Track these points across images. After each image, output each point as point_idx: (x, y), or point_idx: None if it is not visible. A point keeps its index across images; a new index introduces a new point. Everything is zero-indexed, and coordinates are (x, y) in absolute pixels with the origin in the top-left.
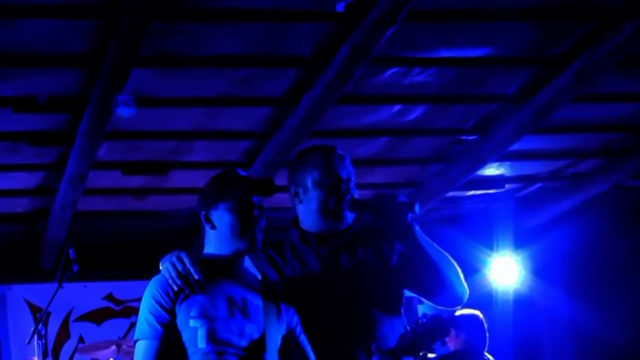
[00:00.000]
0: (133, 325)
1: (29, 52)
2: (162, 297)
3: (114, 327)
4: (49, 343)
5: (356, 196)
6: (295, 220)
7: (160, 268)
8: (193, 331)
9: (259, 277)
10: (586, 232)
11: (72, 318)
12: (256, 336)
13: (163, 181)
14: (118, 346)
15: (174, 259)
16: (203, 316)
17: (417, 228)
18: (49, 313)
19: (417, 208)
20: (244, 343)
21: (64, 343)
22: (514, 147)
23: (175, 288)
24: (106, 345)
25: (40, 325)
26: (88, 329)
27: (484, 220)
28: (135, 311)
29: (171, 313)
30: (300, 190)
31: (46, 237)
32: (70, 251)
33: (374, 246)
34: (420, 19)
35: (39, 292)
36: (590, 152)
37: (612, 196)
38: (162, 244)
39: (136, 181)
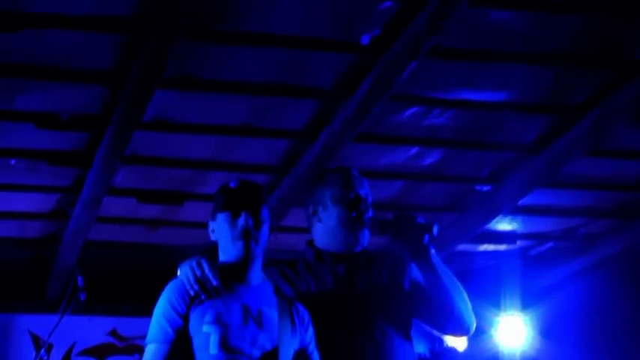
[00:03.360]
0: None
1: (55, 65)
2: (177, 302)
3: None
4: None
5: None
6: (310, 241)
7: (178, 272)
8: (206, 336)
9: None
10: (595, 294)
11: (74, 352)
12: (269, 347)
13: (177, 213)
14: None
15: (193, 263)
16: (217, 322)
17: (433, 251)
18: (51, 345)
19: (435, 230)
20: (256, 353)
21: None
22: (527, 201)
23: (192, 293)
24: None
25: (43, 352)
26: None
27: (492, 278)
28: (139, 349)
29: (185, 318)
30: (320, 208)
31: (55, 265)
32: (79, 278)
33: (388, 269)
34: (443, 57)
35: (43, 323)
36: (603, 212)
37: (623, 258)
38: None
39: (150, 212)
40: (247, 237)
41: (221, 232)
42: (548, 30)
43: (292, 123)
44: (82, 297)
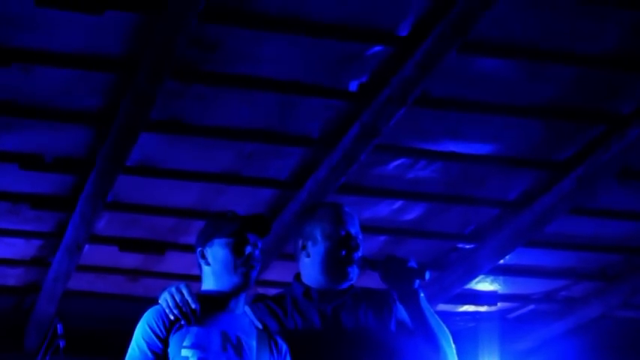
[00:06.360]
0: None
1: (41, 104)
2: (157, 326)
3: None
4: None
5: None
6: (298, 275)
7: (159, 299)
8: None
9: (258, 325)
10: (573, 359)
11: None
12: None
13: (158, 263)
14: None
15: (172, 289)
16: (196, 346)
17: (422, 295)
18: None
19: (426, 275)
20: None
21: None
22: (509, 261)
23: (172, 317)
24: None
25: None
26: None
27: (471, 340)
28: None
29: (165, 342)
30: (309, 243)
31: (34, 314)
32: (58, 326)
33: (374, 308)
34: (430, 106)
35: None
36: (586, 274)
37: (604, 324)
38: None
39: (131, 261)
40: (251, 266)
41: (219, 258)
42: (538, 81)
43: (277, 171)
44: (62, 344)
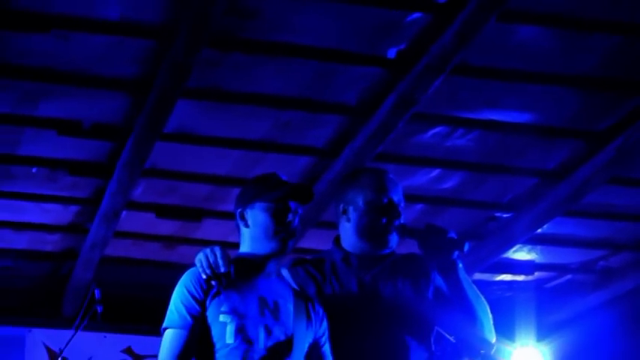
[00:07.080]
0: None
1: (79, 71)
2: (195, 288)
3: None
4: None
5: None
6: (337, 239)
7: (195, 261)
8: (222, 326)
9: (296, 288)
10: (611, 330)
11: None
12: (283, 338)
13: (195, 230)
14: None
15: (207, 250)
16: (233, 312)
17: (460, 265)
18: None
19: (465, 246)
20: (270, 343)
21: None
22: (547, 230)
23: (204, 277)
24: None
25: None
26: None
27: (508, 309)
28: None
29: (202, 305)
30: (350, 208)
31: (71, 280)
32: (96, 291)
33: (412, 277)
34: (468, 74)
35: (59, 338)
36: (623, 244)
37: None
38: None
39: (168, 228)
40: (290, 234)
41: (259, 222)
42: (578, 51)
43: (314, 140)
44: (99, 309)
